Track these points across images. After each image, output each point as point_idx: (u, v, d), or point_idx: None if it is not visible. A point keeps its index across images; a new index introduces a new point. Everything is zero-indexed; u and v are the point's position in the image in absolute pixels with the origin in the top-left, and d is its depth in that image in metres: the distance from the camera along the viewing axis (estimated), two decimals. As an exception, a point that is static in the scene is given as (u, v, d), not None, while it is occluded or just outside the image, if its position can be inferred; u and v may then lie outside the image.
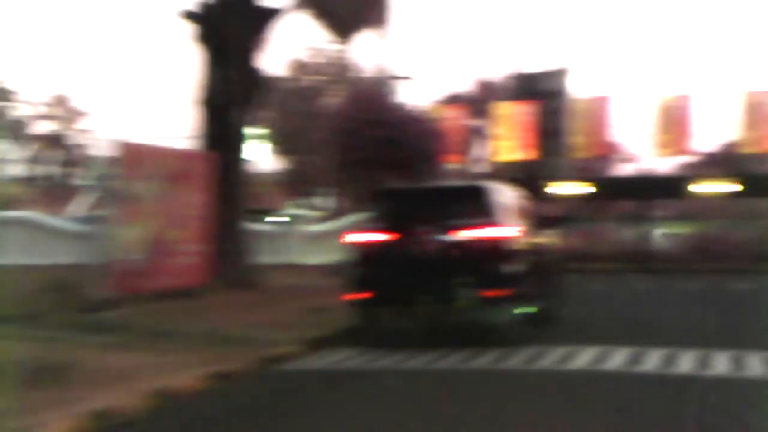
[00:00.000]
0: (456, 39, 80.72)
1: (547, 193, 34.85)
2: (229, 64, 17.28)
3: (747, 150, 35.11)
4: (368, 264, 11.56)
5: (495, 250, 11.32)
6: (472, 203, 11.62)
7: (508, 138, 36.46)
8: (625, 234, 41.85)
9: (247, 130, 20.73)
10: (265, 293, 17.34)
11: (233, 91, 17.42)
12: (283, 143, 30.97)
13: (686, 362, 10.19)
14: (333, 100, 21.53)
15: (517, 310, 11.57)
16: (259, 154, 33.27)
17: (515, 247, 11.66)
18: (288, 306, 15.61)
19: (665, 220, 39.18)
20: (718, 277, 29.45)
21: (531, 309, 12.10)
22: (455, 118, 37.09)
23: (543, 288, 13.01)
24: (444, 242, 11.39)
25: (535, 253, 12.65)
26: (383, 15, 39.16)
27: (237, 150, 18.11)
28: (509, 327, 11.64)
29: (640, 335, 12.70)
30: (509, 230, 11.57)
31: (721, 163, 42.39)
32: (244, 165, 18.80)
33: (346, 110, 19.76)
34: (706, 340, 12.03)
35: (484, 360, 10.58)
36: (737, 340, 12.00)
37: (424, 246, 11.42)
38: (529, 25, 70.70)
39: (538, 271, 12.63)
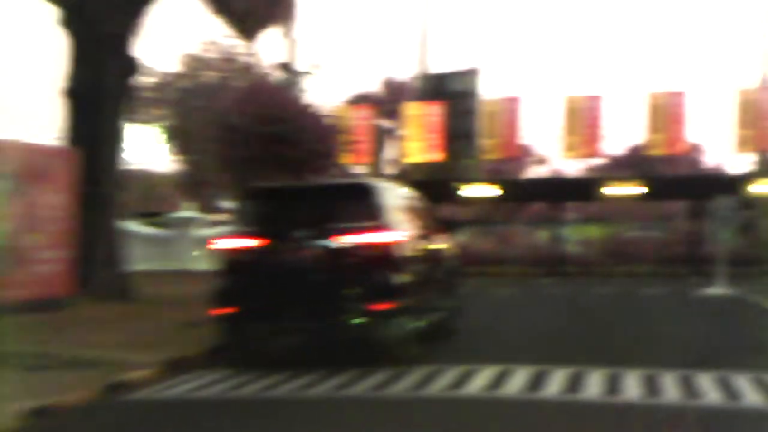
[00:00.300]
0: (365, 39, 79.37)
1: (456, 196, 33.75)
2: (99, 51, 15.43)
3: (654, 152, 34.50)
4: (234, 274, 9.97)
5: (382, 257, 9.87)
6: (357, 204, 10.13)
7: (417, 139, 35.20)
8: (537, 237, 41.16)
9: (131, 126, 18.93)
10: (138, 305, 15.56)
11: (104, 81, 15.57)
12: (179, 142, 29.05)
13: (593, 385, 8.90)
14: (229, 96, 19.79)
15: (409, 324, 10.12)
16: (156, 153, 31.29)
17: (406, 253, 10.24)
18: (159, 320, 13.88)
19: (577, 222, 38.50)
20: (630, 280, 28.76)
21: (424, 322, 10.68)
22: (363, 118, 35.64)
23: (438, 298, 11.62)
24: (324, 249, 9.88)
25: (429, 259, 11.25)
26: (289, 12, 37.54)
27: (110, 146, 16.25)
28: (398, 344, 10.17)
29: (546, 350, 11.43)
30: (399, 235, 10.12)
31: (629, 165, 42.01)
32: (118, 162, 16.90)
33: (236, 105, 18.08)
34: (616, 356, 10.81)
35: (366, 385, 9.10)
36: (649, 356, 10.81)
37: (300, 253, 9.89)
38: (439, 24, 69.58)
39: (432, 280, 11.25)
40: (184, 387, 9.37)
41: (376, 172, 38.36)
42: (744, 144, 33.07)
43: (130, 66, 16.18)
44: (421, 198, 12.53)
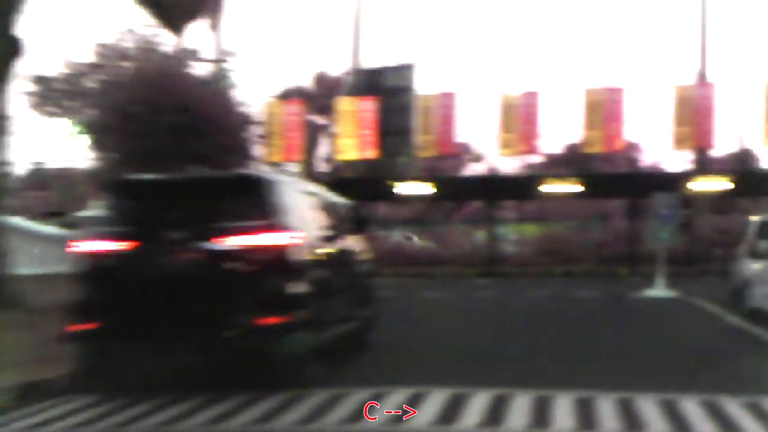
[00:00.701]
0: (298, 33, 77.39)
1: (391, 194, 32.32)
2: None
3: (591, 150, 33.36)
4: (96, 283, 8.29)
5: (275, 262, 8.28)
6: (246, 200, 8.54)
7: (350, 136, 33.59)
8: (474, 236, 39.90)
9: (43, 120, 17.02)
10: (23, 313, 13.68)
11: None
12: (95, 136, 27.00)
13: (518, 412, 7.43)
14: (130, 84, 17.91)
15: (307, 340, 8.54)
16: (72, 149, 29.20)
17: (305, 257, 8.67)
18: (40, 332, 12.05)
19: (515, 222, 37.36)
20: (567, 281, 27.62)
21: (327, 337, 9.12)
22: (293, 114, 33.95)
23: (348, 308, 10.08)
24: (204, 252, 8.25)
25: (335, 264, 9.69)
26: (217, 4, 35.63)
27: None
28: (294, 364, 8.59)
29: (469, 367, 9.96)
30: (296, 236, 8.53)
31: (567, 163, 41.02)
32: (4, 154, 14.99)
33: (135, 92, 16.29)
34: (547, 373, 9.38)
35: (250, 416, 7.51)
36: (584, 373, 9.38)
37: (175, 257, 8.25)
38: (374, 19, 67.85)
39: (339, 287, 9.69)
40: (33, 419, 7.67)
41: (309, 170, 36.68)
42: (681, 141, 32.16)
43: (13, 46, 14.29)
44: (331, 194, 10.95)
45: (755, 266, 16.02)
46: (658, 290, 19.52)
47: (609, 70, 76.26)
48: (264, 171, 9.60)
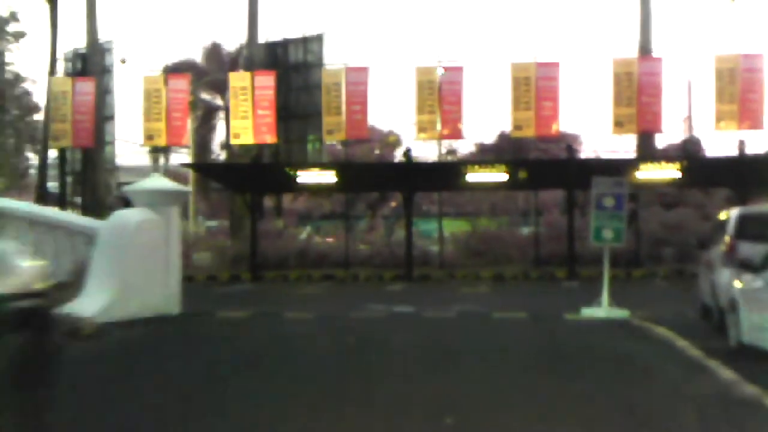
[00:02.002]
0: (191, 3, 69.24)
1: (293, 184, 26.48)
2: None
3: (519, 134, 27.41)
4: None
5: None
6: None
7: (246, 117, 27.41)
8: (396, 233, 34.13)
9: None
10: None
11: None
12: None
13: None
14: None
15: None
16: None
17: None
18: None
19: (439, 216, 31.60)
20: (495, 286, 22.33)
21: None
22: (180, 91, 27.70)
23: None
24: None
25: None
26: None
27: None
28: None
29: None
30: None
31: (499, 152, 35.44)
32: None
33: None
34: None
35: None
36: None
37: None
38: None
39: None
40: None
41: (200, 156, 30.68)
42: (621, 124, 26.51)
43: None
44: None
45: (742, 282, 10.50)
46: (603, 309, 13.88)
47: (546, 45, 69.77)
48: None
